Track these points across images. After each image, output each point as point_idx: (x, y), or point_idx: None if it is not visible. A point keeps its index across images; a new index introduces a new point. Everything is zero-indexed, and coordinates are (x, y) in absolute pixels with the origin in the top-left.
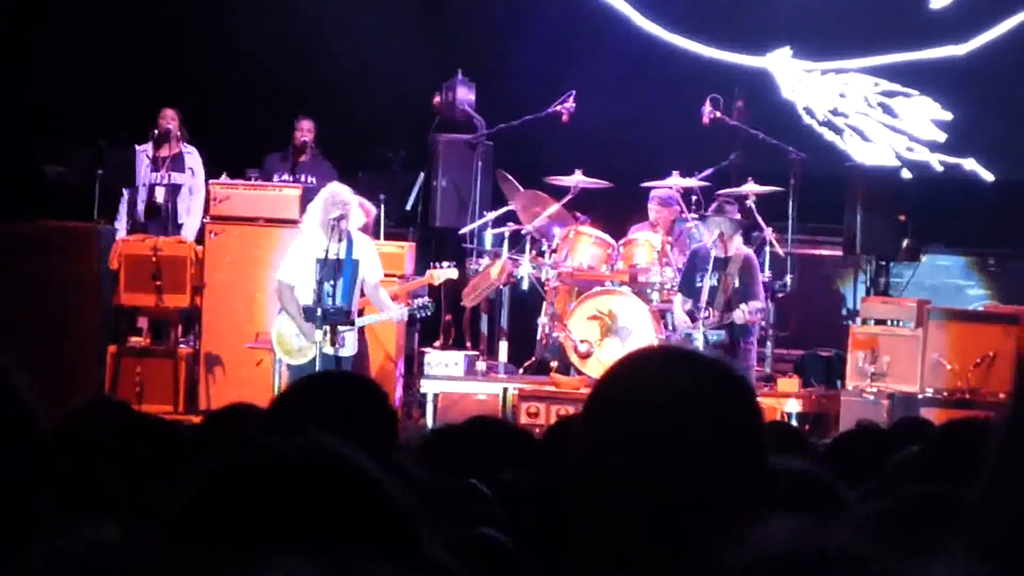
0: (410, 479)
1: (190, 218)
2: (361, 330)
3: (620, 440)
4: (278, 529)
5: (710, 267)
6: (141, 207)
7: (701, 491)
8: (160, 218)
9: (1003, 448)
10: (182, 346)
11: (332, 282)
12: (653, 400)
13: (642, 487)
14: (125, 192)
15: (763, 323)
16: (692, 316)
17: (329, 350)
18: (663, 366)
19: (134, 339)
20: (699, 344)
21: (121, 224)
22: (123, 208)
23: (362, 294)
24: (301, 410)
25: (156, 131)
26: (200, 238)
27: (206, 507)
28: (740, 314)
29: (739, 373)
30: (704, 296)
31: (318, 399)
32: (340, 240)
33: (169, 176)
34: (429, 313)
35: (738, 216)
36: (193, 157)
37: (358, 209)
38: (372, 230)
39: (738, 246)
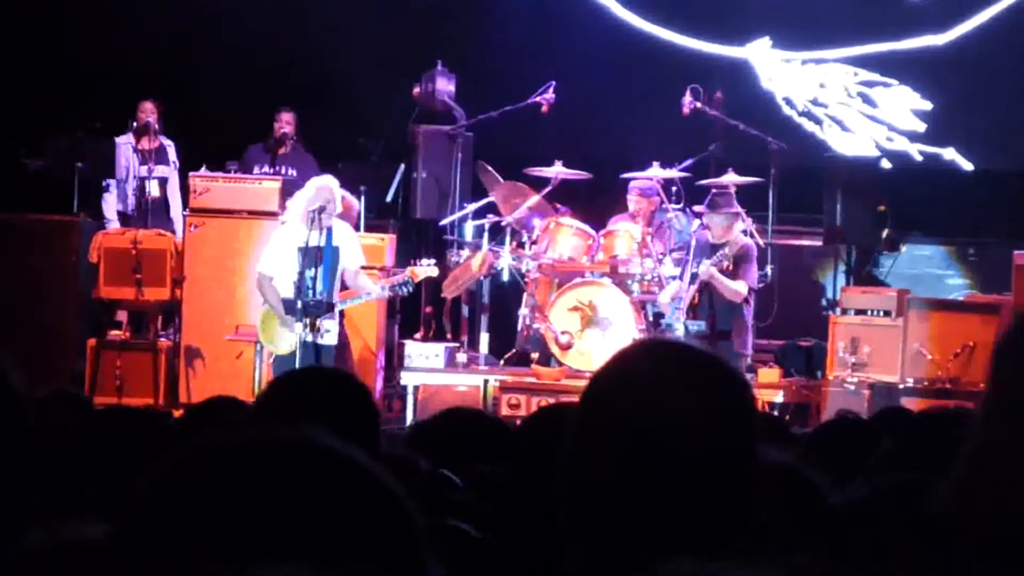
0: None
1: (177, 212)
2: (343, 321)
3: (614, 434)
4: (264, 521)
5: (707, 254)
6: (132, 201)
7: (694, 485)
8: (153, 210)
9: (981, 438)
10: (162, 339)
11: (311, 270)
12: (647, 394)
13: (634, 482)
14: (110, 184)
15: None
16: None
17: (309, 338)
18: (659, 359)
19: (114, 332)
20: (680, 334)
21: (111, 213)
22: (110, 197)
23: (344, 286)
24: (284, 406)
25: (136, 123)
26: (175, 229)
27: (182, 496)
28: (704, 269)
29: (733, 368)
30: (689, 284)
31: (300, 396)
32: (321, 231)
33: (154, 169)
34: (410, 290)
35: (734, 207)
36: (172, 149)
37: (339, 197)
38: (353, 222)
39: (738, 234)
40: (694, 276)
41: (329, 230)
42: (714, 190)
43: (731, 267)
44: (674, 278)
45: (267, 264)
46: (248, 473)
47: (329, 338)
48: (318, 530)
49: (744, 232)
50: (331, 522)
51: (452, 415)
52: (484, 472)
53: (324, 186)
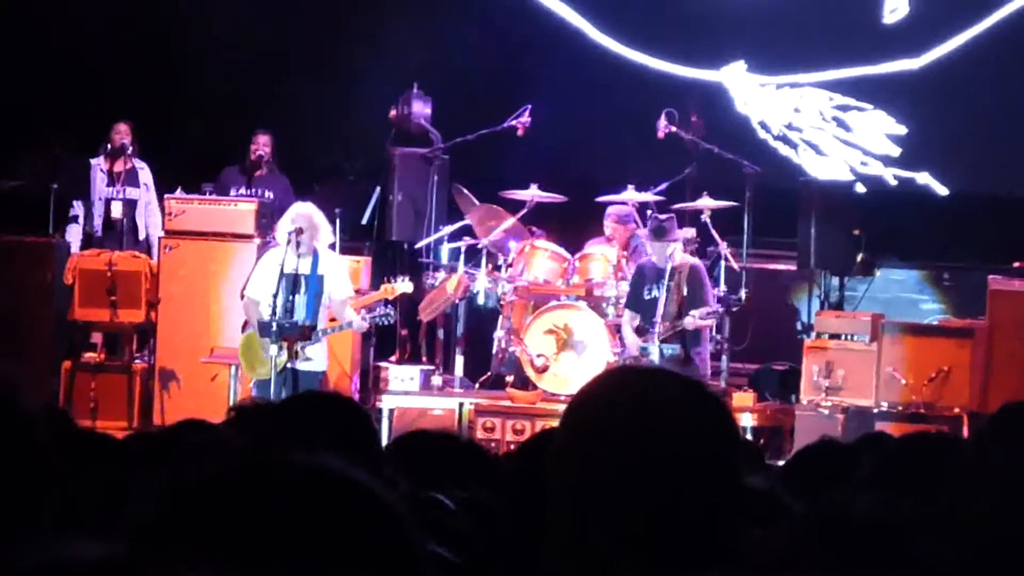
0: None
1: (155, 233)
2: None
3: (596, 456)
4: (271, 543)
5: (664, 279)
6: (98, 222)
7: (676, 506)
8: (117, 233)
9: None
10: (137, 361)
11: (292, 296)
12: (629, 417)
13: (618, 502)
14: (76, 205)
15: (716, 334)
16: (641, 331)
17: (281, 361)
18: (638, 383)
19: (88, 354)
20: (654, 358)
21: (75, 236)
22: (76, 218)
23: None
24: (286, 430)
25: (109, 145)
26: (146, 251)
27: (188, 517)
28: (691, 320)
29: (716, 393)
30: (660, 309)
31: (300, 419)
32: (303, 255)
33: (124, 191)
34: (391, 321)
35: (683, 234)
36: (146, 172)
37: (327, 227)
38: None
39: (682, 256)
40: (651, 303)
41: (315, 258)
42: (660, 217)
43: (687, 292)
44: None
45: (254, 288)
46: (256, 496)
47: (310, 364)
48: (325, 552)
49: (712, 257)
50: (338, 544)
51: (420, 437)
52: (472, 496)
53: (302, 213)
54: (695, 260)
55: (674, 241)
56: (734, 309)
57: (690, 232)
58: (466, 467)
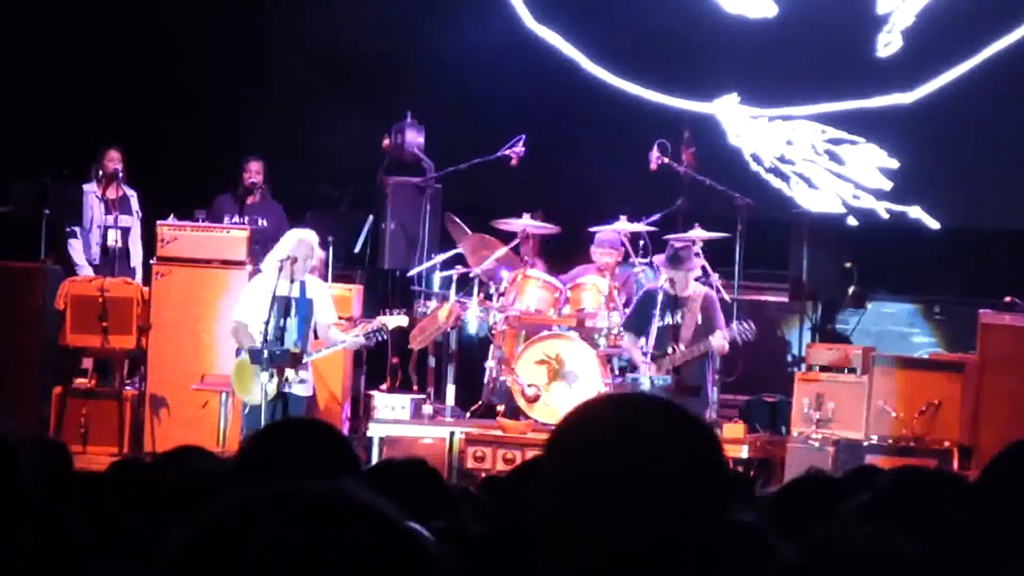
0: None
1: (138, 261)
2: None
3: (579, 486)
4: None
5: (676, 307)
6: (96, 249)
7: (657, 538)
8: (112, 259)
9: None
10: (128, 387)
11: (284, 319)
12: (612, 445)
13: (600, 533)
14: (76, 231)
15: (716, 368)
16: (644, 354)
17: (272, 388)
18: (624, 411)
19: (79, 380)
20: (646, 389)
21: (81, 259)
22: (77, 247)
23: (315, 336)
24: (266, 458)
25: (101, 172)
26: (146, 279)
27: (219, 548)
28: (717, 340)
29: (704, 421)
30: (652, 337)
31: (280, 446)
32: (292, 281)
33: (118, 218)
34: (385, 338)
35: (695, 263)
36: (135, 199)
37: (321, 254)
38: (321, 272)
39: (694, 285)
40: (667, 329)
41: (303, 283)
42: (676, 245)
43: (700, 321)
44: (621, 331)
45: (242, 311)
46: (287, 527)
47: (300, 388)
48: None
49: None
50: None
51: (390, 466)
52: (449, 525)
53: (304, 239)
54: (706, 288)
55: (692, 270)
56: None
57: (698, 263)
58: (435, 493)
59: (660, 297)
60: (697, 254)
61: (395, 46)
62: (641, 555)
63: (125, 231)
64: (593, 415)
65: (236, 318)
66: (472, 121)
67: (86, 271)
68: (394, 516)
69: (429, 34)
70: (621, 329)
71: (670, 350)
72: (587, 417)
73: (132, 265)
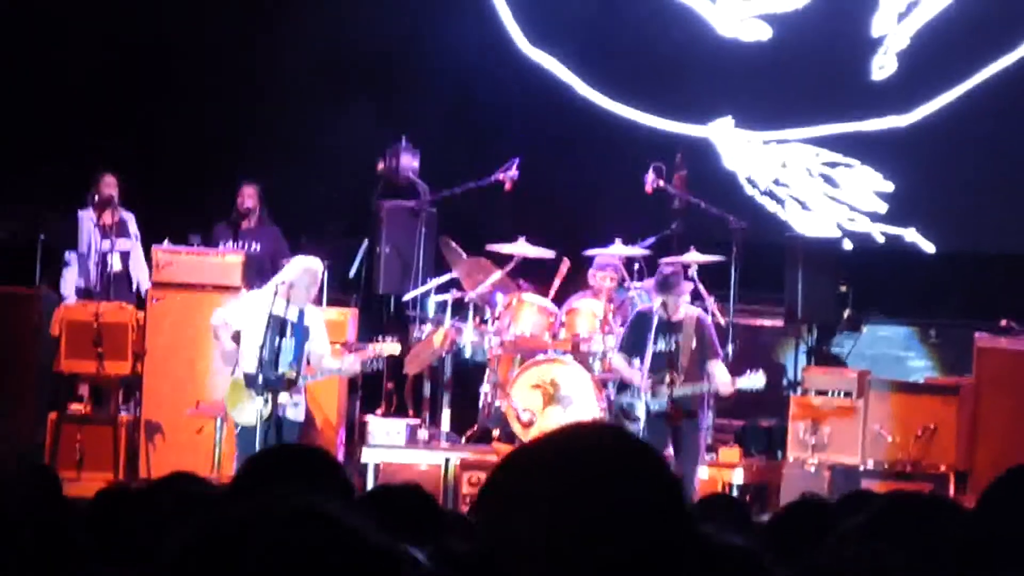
0: None
1: (144, 283)
2: (306, 397)
3: (526, 519)
4: None
5: (669, 332)
6: (95, 274)
7: (611, 559)
8: (115, 284)
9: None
10: (123, 413)
11: (280, 340)
12: (560, 478)
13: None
14: (70, 256)
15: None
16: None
17: (267, 413)
18: (574, 445)
19: (74, 406)
20: (641, 413)
21: (69, 288)
22: (69, 273)
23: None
24: (259, 484)
25: (97, 197)
26: (142, 304)
27: (212, 562)
28: (726, 388)
29: (655, 453)
30: (648, 361)
31: (274, 473)
32: (290, 303)
33: (116, 242)
34: (380, 366)
35: (685, 287)
36: (132, 222)
37: (315, 283)
38: (317, 299)
39: (686, 308)
40: (663, 356)
41: (302, 310)
42: (666, 270)
43: (695, 345)
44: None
45: (230, 313)
46: (267, 545)
47: (294, 412)
48: None
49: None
50: None
51: (384, 491)
52: (441, 547)
53: (310, 268)
54: (698, 310)
55: (682, 294)
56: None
57: (688, 287)
58: (430, 518)
59: (655, 321)
60: (691, 278)
61: (391, 68)
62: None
63: (124, 255)
64: (549, 445)
65: (221, 315)
66: (467, 145)
67: (69, 299)
68: (371, 535)
69: (424, 56)
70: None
71: (668, 378)
72: (543, 447)
73: (134, 289)
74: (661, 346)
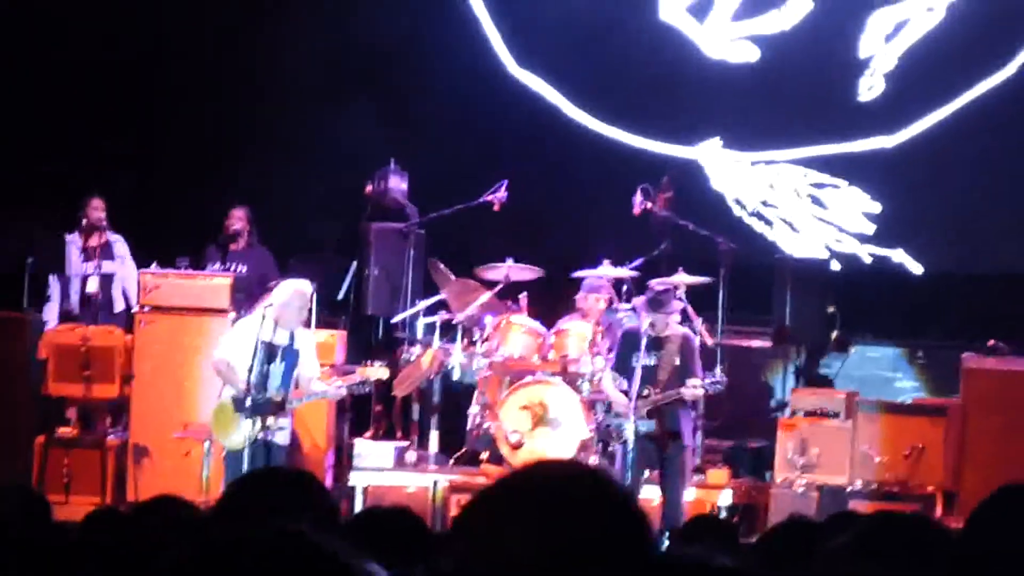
0: None
1: (132, 301)
2: (293, 421)
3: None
4: None
5: (654, 348)
6: (75, 298)
7: None
8: (91, 308)
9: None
10: (111, 436)
11: (268, 365)
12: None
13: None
14: (54, 280)
15: (699, 413)
16: (626, 395)
17: (254, 435)
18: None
19: (62, 429)
20: (629, 434)
21: (51, 314)
22: (52, 296)
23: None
24: (245, 508)
25: (85, 220)
26: (129, 327)
27: None
28: (688, 389)
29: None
30: (637, 379)
31: (259, 497)
32: (279, 327)
33: (100, 266)
34: (368, 390)
35: (675, 306)
36: (121, 244)
37: (305, 306)
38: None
39: (673, 326)
40: (652, 370)
41: (292, 333)
42: (657, 288)
43: (678, 363)
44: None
45: (226, 350)
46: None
47: (281, 436)
48: None
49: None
50: None
51: (373, 514)
52: (431, 569)
53: (299, 290)
54: (685, 330)
55: (672, 313)
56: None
57: (679, 306)
58: (419, 540)
59: (644, 340)
60: (680, 298)
61: (378, 90)
62: None
63: (107, 277)
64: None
65: (220, 356)
66: (455, 167)
67: (50, 323)
68: (351, 560)
69: (412, 78)
70: (603, 373)
71: (645, 392)
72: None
73: (115, 312)
74: (645, 362)
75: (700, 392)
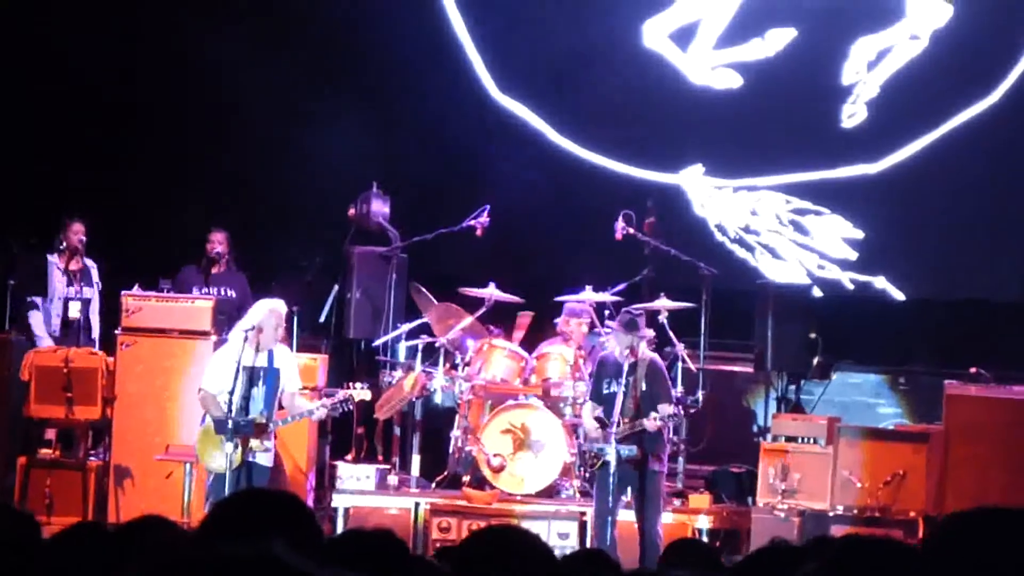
0: None
1: (98, 333)
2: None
3: None
4: None
5: (623, 375)
6: (56, 321)
7: None
8: (74, 331)
9: None
10: (92, 458)
11: (250, 389)
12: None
13: None
14: (38, 302)
15: (672, 438)
16: (602, 422)
17: (237, 458)
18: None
19: (44, 451)
20: (611, 459)
21: (42, 330)
22: (38, 318)
23: (279, 406)
24: (228, 529)
25: (65, 244)
26: (111, 349)
27: None
28: (651, 422)
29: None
30: (617, 405)
31: (243, 518)
32: (258, 350)
33: (81, 290)
34: (350, 408)
35: (649, 332)
36: (95, 271)
37: (281, 324)
38: (285, 341)
39: (644, 351)
40: (613, 397)
41: (270, 351)
42: (629, 310)
43: (644, 388)
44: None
45: (210, 381)
46: None
47: (264, 458)
48: None
49: (669, 357)
50: None
51: (358, 536)
52: None
53: (274, 310)
54: (654, 355)
55: (643, 337)
56: (691, 411)
57: (650, 332)
58: (401, 563)
59: (624, 366)
60: (661, 324)
61: (361, 115)
62: None
63: (87, 302)
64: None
65: (204, 387)
66: (438, 191)
67: (46, 342)
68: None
69: (395, 102)
70: (585, 399)
71: (614, 419)
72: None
73: (93, 337)
74: (615, 388)
75: (659, 424)
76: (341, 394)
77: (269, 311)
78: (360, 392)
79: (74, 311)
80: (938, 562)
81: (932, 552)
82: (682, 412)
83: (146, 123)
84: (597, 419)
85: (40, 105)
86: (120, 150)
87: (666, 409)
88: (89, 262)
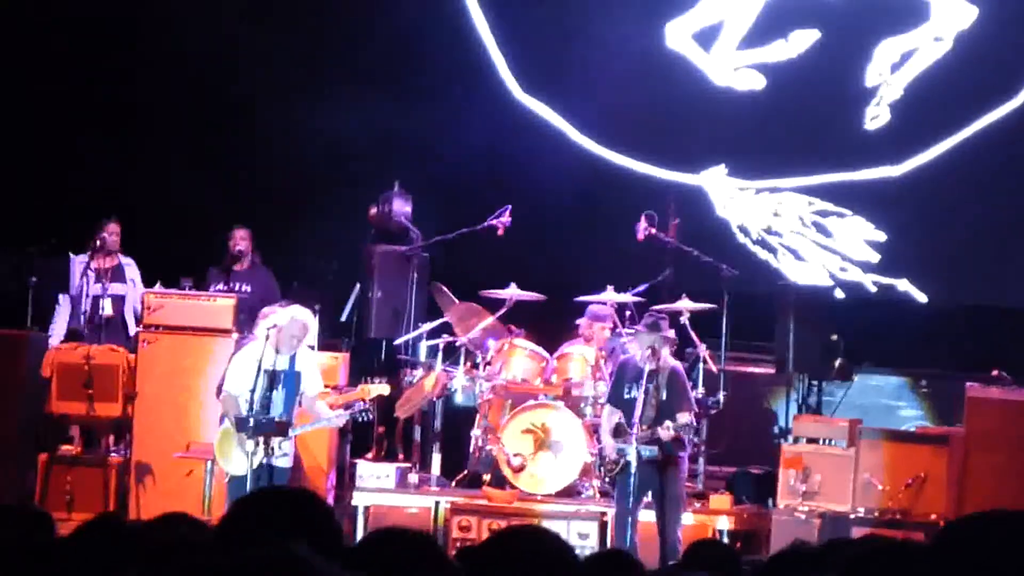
0: None
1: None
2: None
3: None
4: None
5: (643, 380)
6: (83, 319)
7: None
8: (109, 329)
9: None
10: (113, 455)
11: (270, 392)
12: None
13: None
14: (61, 299)
15: (692, 439)
16: (619, 429)
17: (258, 457)
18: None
19: (65, 447)
20: (632, 460)
21: (56, 332)
22: (59, 315)
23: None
24: (248, 527)
25: (97, 242)
26: (132, 346)
27: None
28: (664, 431)
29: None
30: (638, 410)
31: (262, 516)
32: (278, 352)
33: (106, 288)
34: (369, 418)
35: (671, 333)
36: (132, 268)
37: (315, 331)
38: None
39: (665, 358)
40: (632, 402)
41: (293, 355)
42: (653, 311)
43: (665, 396)
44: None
45: (232, 382)
46: None
47: (283, 461)
48: None
49: (690, 359)
50: None
51: (385, 536)
52: None
53: (297, 319)
54: (676, 363)
55: (665, 337)
56: (712, 412)
57: (671, 334)
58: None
59: (644, 369)
60: (683, 326)
61: (384, 114)
62: None
63: (118, 299)
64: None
65: (226, 388)
66: (459, 191)
67: (54, 340)
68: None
69: (418, 102)
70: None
71: (634, 424)
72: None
73: (130, 334)
74: (635, 394)
75: (672, 434)
76: (357, 392)
77: (292, 318)
78: (377, 387)
79: (108, 309)
80: (946, 565)
81: (941, 554)
82: (695, 422)
83: (167, 122)
84: (617, 426)
85: (64, 110)
86: (140, 150)
87: (682, 419)
88: (125, 259)
